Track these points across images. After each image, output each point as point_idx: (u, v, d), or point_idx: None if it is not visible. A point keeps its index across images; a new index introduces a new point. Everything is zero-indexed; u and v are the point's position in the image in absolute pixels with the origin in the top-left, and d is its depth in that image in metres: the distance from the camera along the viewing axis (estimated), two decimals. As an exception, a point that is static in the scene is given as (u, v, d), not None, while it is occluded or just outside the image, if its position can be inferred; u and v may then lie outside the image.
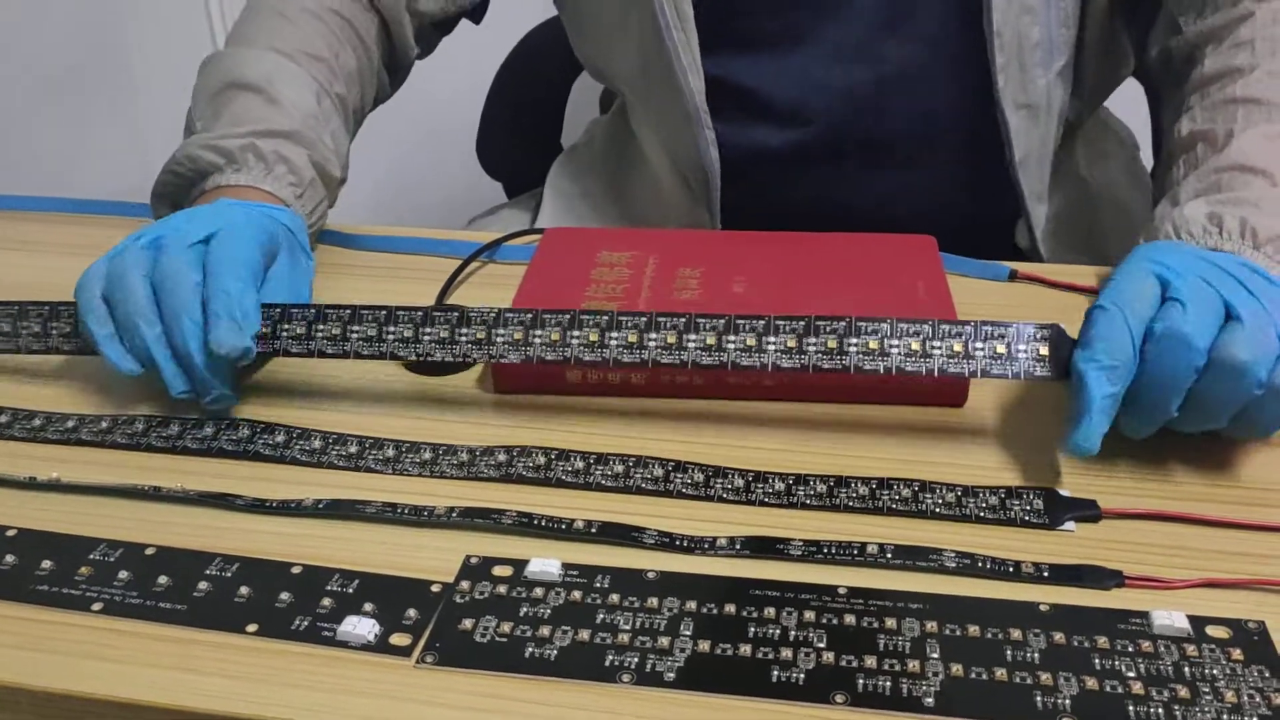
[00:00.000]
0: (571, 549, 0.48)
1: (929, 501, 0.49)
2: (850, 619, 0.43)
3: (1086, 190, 0.83)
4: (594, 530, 0.48)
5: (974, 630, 0.43)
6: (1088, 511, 0.49)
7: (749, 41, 0.76)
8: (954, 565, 0.46)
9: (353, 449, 0.54)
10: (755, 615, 0.44)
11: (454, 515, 0.49)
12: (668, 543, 0.48)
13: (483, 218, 0.94)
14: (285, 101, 0.67)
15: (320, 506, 0.50)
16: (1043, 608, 0.44)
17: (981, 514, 0.49)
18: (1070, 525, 0.48)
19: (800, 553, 0.47)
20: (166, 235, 0.56)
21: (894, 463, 0.52)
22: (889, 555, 0.46)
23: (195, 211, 0.60)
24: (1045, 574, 0.45)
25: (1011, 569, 0.46)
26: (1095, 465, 0.52)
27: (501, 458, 0.53)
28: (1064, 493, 0.50)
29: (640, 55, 0.76)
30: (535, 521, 0.49)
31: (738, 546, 0.47)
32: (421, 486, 0.52)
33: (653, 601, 0.44)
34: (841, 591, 0.45)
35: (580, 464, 0.52)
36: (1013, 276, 0.68)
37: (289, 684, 0.42)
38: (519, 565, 0.46)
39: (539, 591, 0.45)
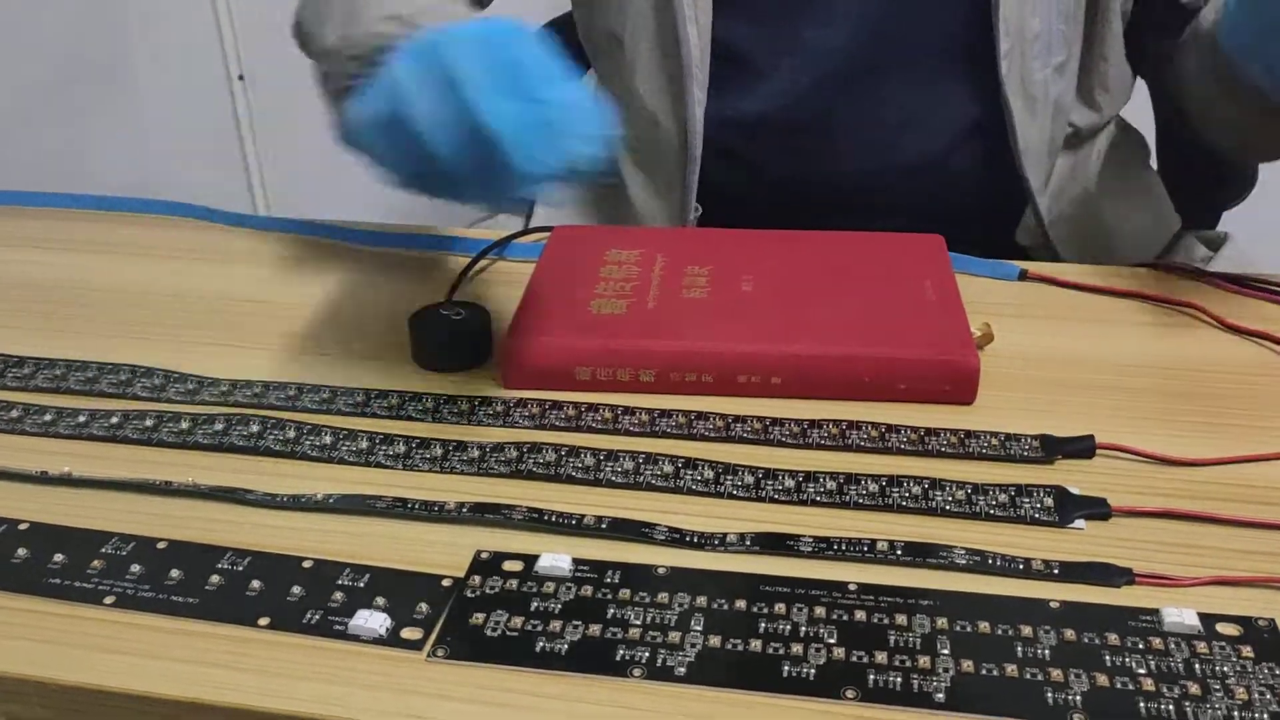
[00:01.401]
0: (582, 544, 0.48)
1: (939, 499, 0.49)
2: (861, 615, 0.43)
3: (1094, 195, 0.83)
4: (604, 526, 0.48)
5: (984, 627, 0.43)
6: (1098, 509, 0.49)
7: (749, 3, 0.75)
8: (964, 562, 0.46)
9: (363, 445, 0.54)
10: (766, 611, 0.44)
11: (465, 510, 0.49)
12: (678, 539, 0.48)
13: (481, 223, 0.94)
14: None
15: (331, 501, 0.50)
16: (1053, 605, 0.44)
17: (992, 511, 0.49)
18: (1080, 523, 0.48)
19: (810, 549, 0.47)
20: (439, 36, 0.49)
21: (904, 460, 0.52)
22: (899, 552, 0.46)
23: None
24: (1055, 571, 0.45)
25: (1022, 566, 0.46)
26: (1105, 464, 0.52)
27: (512, 454, 0.53)
28: (1074, 490, 0.50)
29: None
30: (546, 517, 0.49)
31: (748, 543, 0.47)
32: (432, 482, 0.52)
33: (663, 597, 0.44)
34: (852, 588, 0.45)
35: (590, 460, 0.52)
36: (1023, 276, 0.68)
37: (300, 677, 0.42)
38: (529, 560, 0.46)
39: (549, 586, 0.45)
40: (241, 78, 1.69)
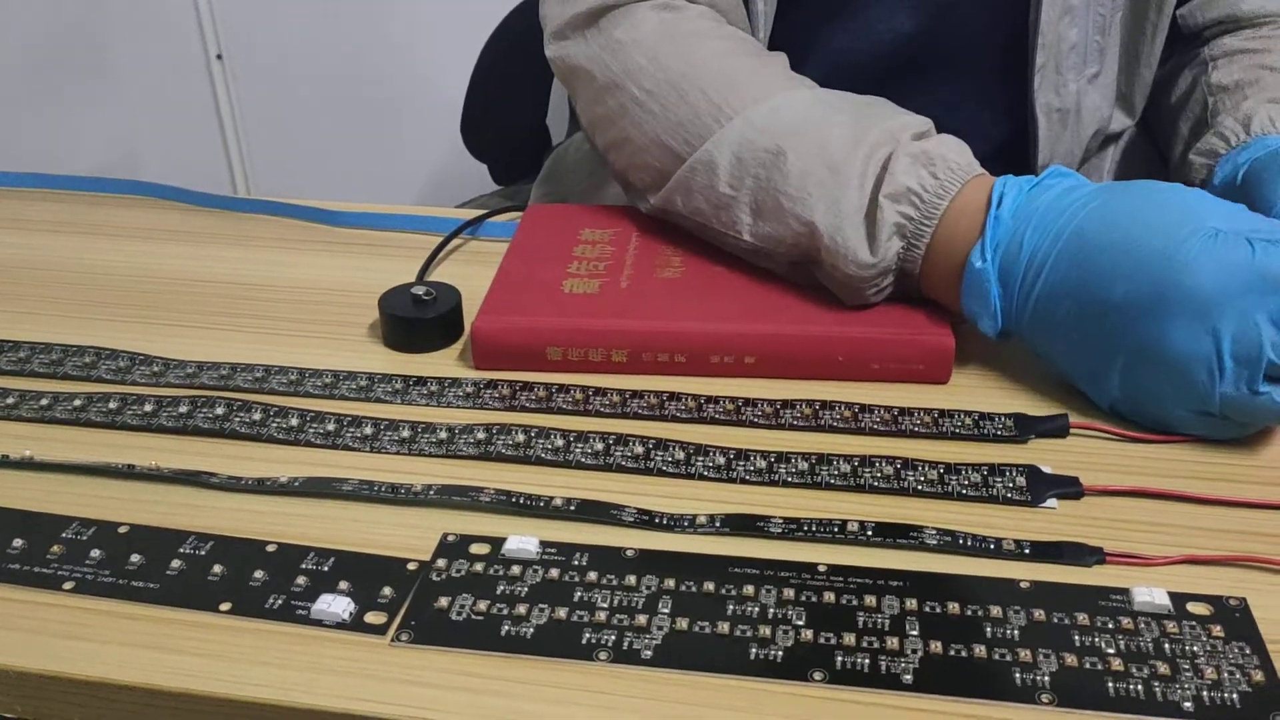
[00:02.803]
0: (550, 527, 0.47)
1: (911, 479, 0.49)
2: (830, 596, 0.43)
3: None
4: (573, 508, 0.48)
5: (954, 607, 0.42)
6: (1070, 488, 0.48)
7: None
8: (935, 542, 0.45)
9: (330, 427, 0.53)
10: (734, 593, 0.43)
11: (431, 493, 0.48)
12: (647, 520, 0.47)
13: (464, 206, 0.93)
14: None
15: (296, 484, 0.49)
16: (1023, 584, 0.43)
17: (963, 491, 0.48)
18: (1052, 502, 0.48)
19: (780, 530, 0.46)
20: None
21: (876, 440, 0.52)
22: (869, 533, 0.46)
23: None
24: (1026, 551, 0.45)
25: (992, 546, 0.45)
26: (1078, 443, 0.51)
27: (481, 435, 0.52)
28: (1046, 469, 0.49)
29: None
30: (514, 499, 0.48)
31: (718, 524, 0.47)
32: (400, 464, 0.51)
33: (631, 579, 0.44)
34: (821, 569, 0.44)
35: (560, 441, 0.52)
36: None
37: (262, 662, 0.41)
38: (496, 543, 0.46)
39: (516, 569, 0.45)
40: (220, 57, 1.67)
